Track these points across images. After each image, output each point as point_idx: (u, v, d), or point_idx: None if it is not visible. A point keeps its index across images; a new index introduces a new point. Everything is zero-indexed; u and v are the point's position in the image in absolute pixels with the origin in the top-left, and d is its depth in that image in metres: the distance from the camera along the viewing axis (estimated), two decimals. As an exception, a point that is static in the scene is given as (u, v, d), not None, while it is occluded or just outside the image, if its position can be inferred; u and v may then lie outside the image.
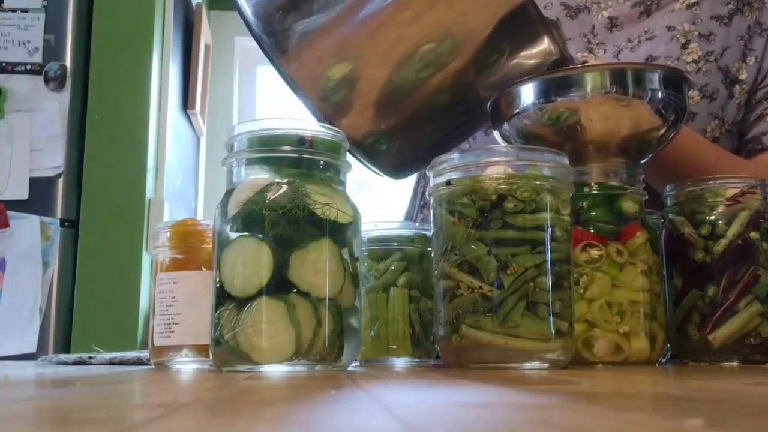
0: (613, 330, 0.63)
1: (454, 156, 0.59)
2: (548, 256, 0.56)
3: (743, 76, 0.88)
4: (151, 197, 1.88)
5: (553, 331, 0.55)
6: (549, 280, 0.56)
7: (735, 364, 0.64)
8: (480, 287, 0.55)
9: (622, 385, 0.41)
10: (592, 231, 0.64)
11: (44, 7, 1.78)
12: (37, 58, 1.76)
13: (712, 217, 0.66)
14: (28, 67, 1.75)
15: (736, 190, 0.66)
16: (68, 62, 1.76)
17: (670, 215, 0.69)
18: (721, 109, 0.87)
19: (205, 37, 2.51)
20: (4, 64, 1.75)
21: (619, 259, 0.64)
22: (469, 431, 0.22)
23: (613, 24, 0.90)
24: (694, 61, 0.87)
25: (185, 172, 2.31)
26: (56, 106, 1.72)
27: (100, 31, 1.87)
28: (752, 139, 0.88)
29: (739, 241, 0.65)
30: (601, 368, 0.61)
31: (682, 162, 0.78)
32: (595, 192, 0.66)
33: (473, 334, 0.55)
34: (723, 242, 0.65)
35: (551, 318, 0.55)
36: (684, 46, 0.87)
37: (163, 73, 2.00)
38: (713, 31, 0.88)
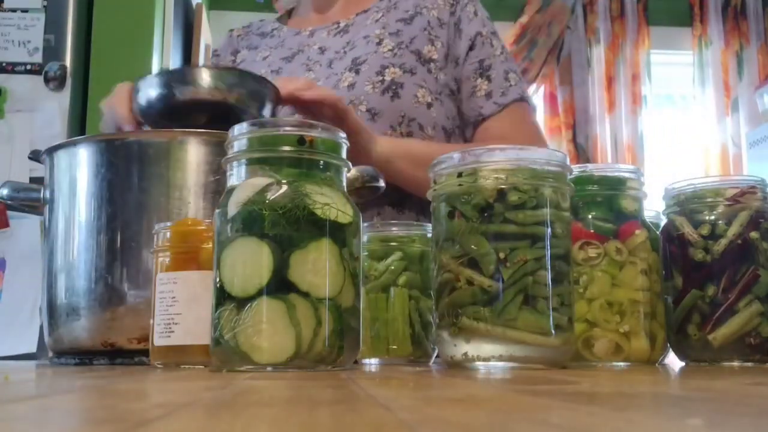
0: (613, 329, 0.63)
1: (455, 155, 0.59)
2: (548, 251, 0.56)
3: (434, 56, 1.09)
4: (151, 197, 1.87)
5: (553, 327, 0.55)
6: (549, 275, 0.55)
7: (735, 364, 0.64)
8: (479, 281, 0.55)
9: (622, 385, 0.41)
10: (591, 230, 0.65)
11: (44, 7, 1.78)
12: (37, 58, 1.76)
13: (712, 217, 0.66)
14: (28, 67, 1.75)
15: (736, 190, 0.66)
16: (68, 62, 1.76)
17: (670, 215, 0.70)
18: (424, 81, 1.07)
19: (205, 37, 2.51)
20: (4, 64, 1.75)
21: (618, 257, 0.64)
22: (468, 431, 0.22)
23: (322, 50, 1.12)
24: (390, 50, 1.07)
25: (185, 172, 2.30)
26: (56, 106, 1.72)
27: (100, 31, 1.87)
28: (472, 113, 1.09)
29: (739, 241, 0.65)
30: (601, 368, 0.61)
31: (406, 165, 0.96)
32: (594, 191, 0.66)
33: (471, 324, 0.55)
34: (723, 242, 0.65)
35: (550, 312, 0.55)
36: (379, 44, 1.08)
37: (163, 73, 2.00)
38: (400, 29, 1.10)
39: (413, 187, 0.99)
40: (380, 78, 1.04)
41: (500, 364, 0.54)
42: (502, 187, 0.56)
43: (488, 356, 0.55)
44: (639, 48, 2.94)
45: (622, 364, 0.63)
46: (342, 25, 1.14)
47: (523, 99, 1.10)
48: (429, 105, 1.06)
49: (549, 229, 0.56)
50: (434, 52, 1.09)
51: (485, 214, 0.56)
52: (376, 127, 1.01)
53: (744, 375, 0.51)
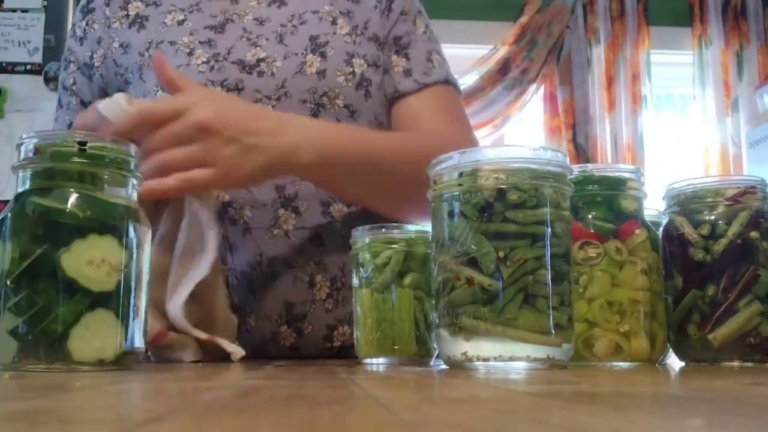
0: (614, 329, 0.63)
1: (454, 155, 0.59)
2: (548, 251, 0.56)
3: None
4: (151, 197, 1.88)
5: (553, 326, 0.55)
6: (549, 275, 0.55)
7: (735, 364, 0.64)
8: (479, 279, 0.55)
9: (622, 385, 0.41)
10: (591, 230, 0.65)
11: (44, 7, 1.78)
12: (37, 58, 1.76)
13: (712, 217, 0.66)
14: (28, 67, 1.76)
15: (736, 190, 0.66)
16: (68, 62, 1.76)
17: (670, 215, 0.70)
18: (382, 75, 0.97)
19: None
20: (4, 64, 1.76)
21: (618, 257, 0.64)
22: (468, 431, 0.22)
23: (260, 22, 0.95)
24: (348, 35, 0.96)
25: (185, 172, 2.30)
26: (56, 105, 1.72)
27: (100, 31, 1.87)
28: (388, 90, 0.98)
29: (739, 241, 0.65)
30: (601, 368, 0.61)
31: (364, 164, 0.83)
32: (594, 190, 0.66)
33: (471, 324, 0.55)
34: (723, 242, 0.65)
35: (550, 312, 0.55)
36: (333, 23, 0.96)
37: (163, 73, 2.00)
38: (350, 9, 0.98)
39: (352, 195, 0.89)
40: (350, 69, 0.94)
41: (500, 363, 0.54)
42: (502, 186, 0.56)
43: (488, 356, 0.54)
44: (639, 48, 2.94)
45: (622, 364, 0.63)
46: None
47: (449, 82, 1.00)
48: (391, 103, 0.98)
49: (549, 229, 0.56)
50: (383, 33, 0.99)
51: (485, 214, 0.56)
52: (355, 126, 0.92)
53: (744, 375, 0.51)
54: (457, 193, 0.57)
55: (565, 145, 2.82)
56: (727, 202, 0.66)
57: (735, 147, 2.92)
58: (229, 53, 0.92)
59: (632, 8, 2.98)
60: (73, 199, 0.55)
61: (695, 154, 2.99)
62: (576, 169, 0.67)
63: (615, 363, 0.63)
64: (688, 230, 0.67)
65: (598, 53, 2.95)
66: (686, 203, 0.68)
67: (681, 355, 0.68)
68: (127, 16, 0.98)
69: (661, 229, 0.69)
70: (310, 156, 0.76)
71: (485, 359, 0.54)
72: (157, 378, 0.49)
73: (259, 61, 0.92)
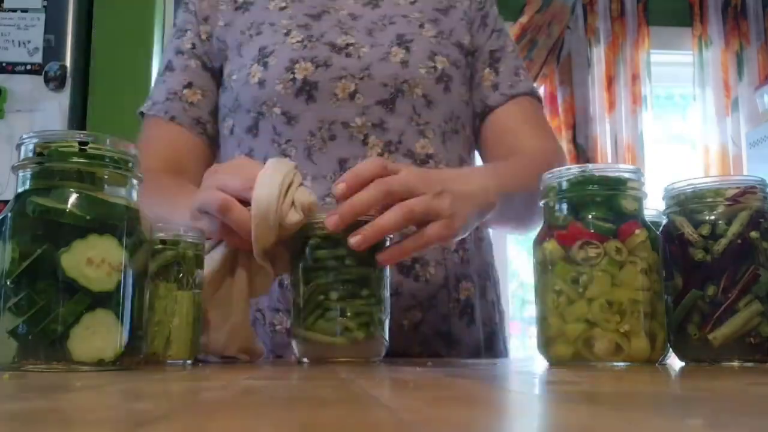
0: (614, 329, 0.63)
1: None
2: (340, 277, 0.71)
3: (471, 48, 1.06)
4: (151, 197, 1.87)
5: (339, 330, 0.71)
6: (337, 294, 0.71)
7: (735, 364, 0.64)
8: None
9: (622, 385, 0.41)
10: (591, 230, 0.65)
11: (44, 7, 1.78)
12: (37, 58, 1.76)
13: (712, 217, 0.66)
14: (28, 67, 1.76)
15: (736, 190, 0.66)
16: (68, 62, 1.76)
17: (670, 215, 0.70)
18: (464, 77, 1.04)
19: (205, 37, 2.51)
20: (4, 64, 1.76)
21: (618, 257, 0.64)
22: (468, 431, 0.22)
23: (354, 17, 1.03)
24: (434, 37, 1.02)
25: (185, 172, 2.30)
26: (56, 106, 1.73)
27: (100, 31, 1.87)
28: (478, 104, 1.05)
29: (739, 241, 0.65)
30: (601, 368, 0.61)
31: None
32: (594, 190, 0.66)
33: (294, 331, 0.75)
34: (723, 242, 0.65)
35: (338, 320, 0.71)
36: (421, 27, 1.02)
37: (163, 73, 2.00)
38: (438, 18, 1.05)
39: (495, 223, 0.95)
40: (432, 64, 0.99)
41: (305, 359, 0.73)
42: (309, 235, 0.72)
43: (300, 353, 0.73)
44: (639, 48, 2.94)
45: (622, 364, 0.63)
46: None
47: (533, 94, 1.07)
48: (467, 103, 1.04)
49: (344, 261, 0.71)
50: (471, 44, 1.06)
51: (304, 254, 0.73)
52: (430, 116, 0.97)
53: (744, 375, 0.51)
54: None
55: (565, 145, 2.82)
56: (727, 202, 0.66)
57: (735, 147, 2.92)
58: (322, 36, 0.99)
59: (632, 8, 2.97)
60: (73, 199, 0.55)
61: (695, 154, 2.99)
62: (576, 169, 0.68)
63: (615, 363, 0.63)
64: (688, 230, 0.67)
65: (598, 53, 2.95)
66: (686, 203, 0.68)
67: (681, 355, 0.68)
68: (235, 1, 1.07)
69: (661, 229, 0.69)
70: (495, 196, 0.81)
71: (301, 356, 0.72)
72: (157, 378, 0.49)
73: (348, 45, 0.98)
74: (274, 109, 0.95)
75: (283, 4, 1.05)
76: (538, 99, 1.08)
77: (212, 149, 1.05)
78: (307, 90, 0.95)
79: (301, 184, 0.71)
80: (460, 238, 0.79)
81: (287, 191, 0.68)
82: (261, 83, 0.96)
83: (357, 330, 0.71)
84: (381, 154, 0.93)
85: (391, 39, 1.00)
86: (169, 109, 1.02)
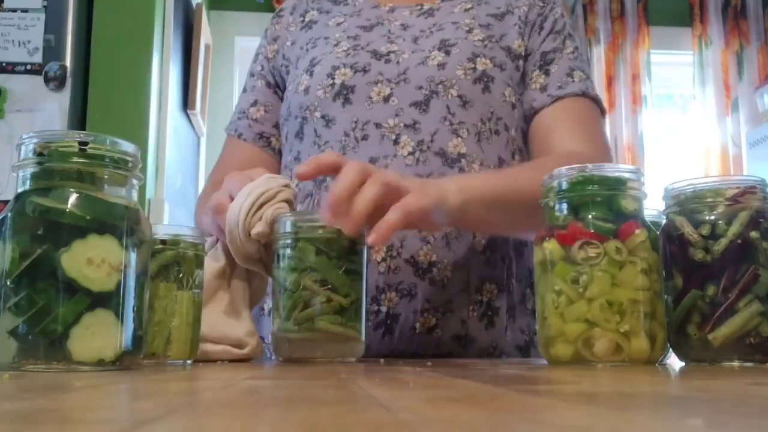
0: (614, 329, 0.63)
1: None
2: (314, 276, 0.72)
3: (522, 52, 1.05)
4: (151, 197, 1.88)
5: (311, 329, 0.71)
6: (311, 294, 0.72)
7: (735, 364, 0.64)
8: None
9: (622, 385, 0.41)
10: (591, 230, 0.65)
11: (44, 7, 1.78)
12: (37, 58, 1.76)
13: (712, 217, 0.66)
14: (28, 67, 1.75)
15: (736, 190, 0.66)
16: (68, 62, 1.76)
17: (670, 215, 0.69)
18: (511, 79, 1.03)
19: (205, 37, 2.51)
20: (4, 64, 1.76)
21: (618, 257, 0.64)
22: (468, 431, 0.22)
23: (405, 27, 1.06)
24: (480, 40, 1.03)
25: (185, 173, 2.31)
26: (56, 106, 1.72)
27: (100, 31, 1.87)
28: (526, 107, 1.04)
29: (739, 241, 0.65)
30: (601, 368, 0.61)
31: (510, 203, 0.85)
32: (594, 190, 0.66)
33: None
34: (723, 242, 0.65)
35: (316, 319, 0.71)
36: (469, 32, 1.04)
37: (163, 74, 2.00)
38: (490, 23, 1.06)
39: (487, 228, 0.93)
40: (472, 65, 0.99)
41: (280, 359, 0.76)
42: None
43: (276, 353, 0.75)
44: (639, 48, 2.94)
45: (622, 364, 0.63)
46: (426, 8, 1.08)
47: (585, 95, 1.03)
48: (513, 105, 1.03)
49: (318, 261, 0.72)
50: (522, 48, 1.05)
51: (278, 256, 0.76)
52: (465, 116, 0.97)
53: (744, 375, 0.51)
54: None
55: (565, 145, 2.81)
56: (727, 202, 0.66)
57: (735, 147, 2.92)
58: (368, 44, 1.03)
59: (632, 8, 2.97)
60: (73, 199, 0.55)
61: (695, 154, 2.99)
62: (576, 169, 0.68)
63: (615, 363, 0.63)
64: (688, 230, 0.66)
65: (598, 53, 2.95)
66: (686, 203, 0.68)
67: (681, 355, 0.68)
68: (303, 20, 1.14)
69: (660, 229, 0.69)
70: (454, 199, 0.79)
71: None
72: (157, 378, 0.49)
73: (390, 52, 1.01)
74: (315, 113, 0.99)
75: (341, 20, 1.09)
76: (593, 99, 1.05)
77: (278, 160, 1.10)
78: (344, 94, 0.98)
79: (287, 200, 0.76)
80: (438, 220, 0.78)
81: (261, 206, 0.75)
82: (306, 90, 1.01)
83: (333, 328, 0.71)
84: (411, 153, 0.94)
85: (434, 44, 1.01)
86: (237, 127, 1.11)
